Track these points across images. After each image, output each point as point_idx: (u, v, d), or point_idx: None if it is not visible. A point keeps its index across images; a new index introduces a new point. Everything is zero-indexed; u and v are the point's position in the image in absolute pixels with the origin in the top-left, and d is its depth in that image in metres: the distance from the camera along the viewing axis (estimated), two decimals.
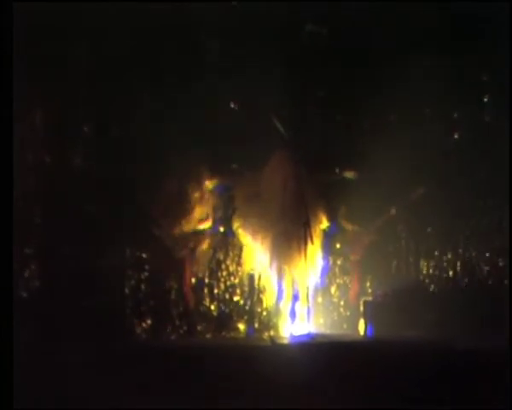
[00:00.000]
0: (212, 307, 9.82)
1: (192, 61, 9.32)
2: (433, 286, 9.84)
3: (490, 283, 9.53)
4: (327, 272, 9.99)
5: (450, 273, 9.81)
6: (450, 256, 9.84)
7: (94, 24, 8.78)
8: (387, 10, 9.06)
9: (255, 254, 9.78)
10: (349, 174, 9.68)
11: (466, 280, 9.71)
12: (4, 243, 5.96)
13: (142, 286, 9.53)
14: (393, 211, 9.75)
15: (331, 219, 9.80)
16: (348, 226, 9.91)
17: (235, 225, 9.67)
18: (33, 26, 8.11)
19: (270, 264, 9.69)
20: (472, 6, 8.88)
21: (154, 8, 8.81)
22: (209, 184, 9.55)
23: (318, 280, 9.85)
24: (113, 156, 9.30)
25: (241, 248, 9.84)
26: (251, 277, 9.83)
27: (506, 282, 8.83)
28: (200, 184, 9.56)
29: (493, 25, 8.67)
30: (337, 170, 9.72)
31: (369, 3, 9.02)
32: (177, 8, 8.94)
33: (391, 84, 9.05)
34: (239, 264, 9.89)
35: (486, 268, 9.58)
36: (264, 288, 9.77)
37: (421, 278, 9.91)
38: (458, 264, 9.77)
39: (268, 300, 9.79)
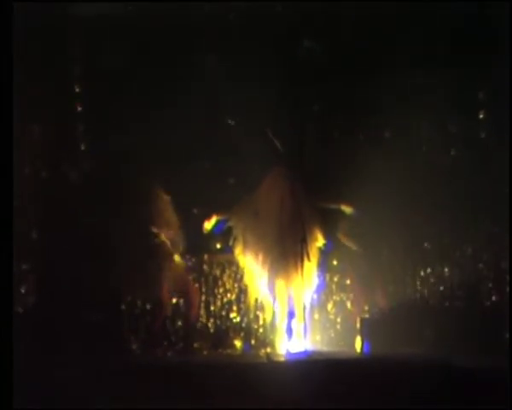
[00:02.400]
0: (209, 324, 9.80)
1: (188, 76, 9.38)
2: (430, 303, 9.82)
3: (489, 298, 9.51)
4: (323, 288, 9.96)
5: (448, 290, 9.79)
6: (448, 272, 9.83)
7: (91, 34, 8.87)
8: (385, 25, 9.13)
9: (252, 271, 9.74)
10: (346, 209, 9.67)
11: (464, 296, 9.69)
12: (4, 256, 5.93)
13: (139, 302, 9.50)
14: (390, 227, 9.73)
15: (328, 235, 9.77)
16: (348, 243, 9.90)
17: (236, 251, 9.65)
18: (30, 36, 8.16)
19: (267, 281, 9.65)
20: (470, 18, 8.96)
21: (153, 15, 8.87)
22: (208, 226, 9.55)
23: (315, 297, 9.82)
24: (111, 170, 9.32)
25: (237, 266, 9.82)
26: (247, 293, 9.80)
27: (505, 297, 8.83)
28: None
29: (492, 37, 8.74)
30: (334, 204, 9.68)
31: (367, 19, 9.10)
32: (174, 21, 9.02)
33: (388, 99, 9.10)
34: (235, 280, 9.88)
35: (485, 284, 9.58)
36: (262, 305, 9.74)
37: (419, 294, 9.89)
38: (456, 280, 9.76)
39: (265, 317, 9.76)
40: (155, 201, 9.33)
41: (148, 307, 9.51)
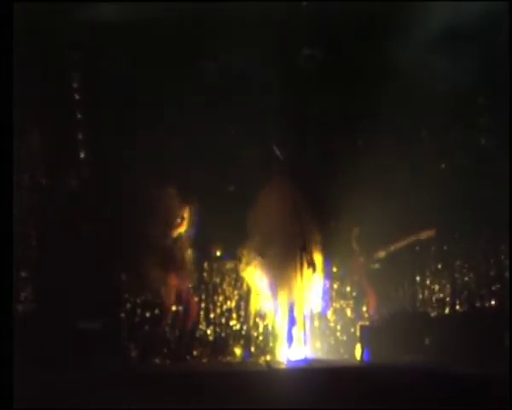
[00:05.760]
0: (209, 332, 9.79)
1: (190, 86, 9.42)
2: (430, 310, 9.82)
3: (488, 307, 9.51)
4: (324, 296, 9.96)
5: (448, 298, 9.80)
6: (447, 281, 9.84)
7: (92, 45, 8.92)
8: (384, 33, 9.18)
9: (253, 279, 9.75)
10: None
11: (464, 304, 9.70)
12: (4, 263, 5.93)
13: (138, 310, 9.50)
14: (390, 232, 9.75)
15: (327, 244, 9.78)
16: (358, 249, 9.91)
17: (244, 270, 9.68)
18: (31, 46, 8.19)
19: (269, 289, 9.66)
20: (471, 29, 9.01)
21: (153, 20, 8.92)
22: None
23: (315, 305, 9.82)
24: (111, 179, 9.35)
25: (237, 273, 9.82)
26: (247, 301, 9.81)
27: (505, 306, 8.83)
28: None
29: (493, 46, 8.79)
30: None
31: (367, 27, 9.15)
32: (176, 32, 9.05)
33: (387, 106, 9.16)
34: (235, 288, 9.87)
35: (485, 292, 9.58)
36: (262, 312, 9.74)
37: (419, 302, 9.90)
38: (456, 289, 9.76)
39: (265, 324, 9.76)
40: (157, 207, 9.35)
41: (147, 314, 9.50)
